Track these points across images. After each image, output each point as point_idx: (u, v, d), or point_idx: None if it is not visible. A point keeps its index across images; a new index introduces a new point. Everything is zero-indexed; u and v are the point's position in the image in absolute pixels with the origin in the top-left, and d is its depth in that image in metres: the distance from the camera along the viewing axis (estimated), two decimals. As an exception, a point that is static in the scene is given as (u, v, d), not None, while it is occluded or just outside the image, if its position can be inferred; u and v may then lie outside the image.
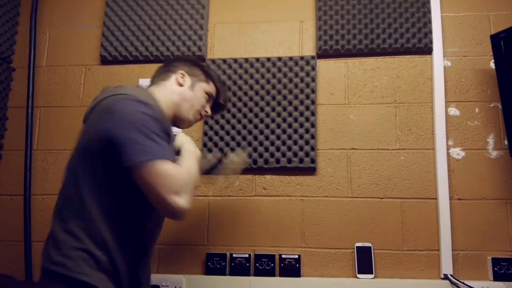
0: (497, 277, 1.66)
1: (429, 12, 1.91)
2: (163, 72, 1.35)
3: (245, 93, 1.91)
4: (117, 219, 1.06)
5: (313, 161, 1.83)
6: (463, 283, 1.65)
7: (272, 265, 1.75)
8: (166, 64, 1.39)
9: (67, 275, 0.99)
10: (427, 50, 1.89)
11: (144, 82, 1.99)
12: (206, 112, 1.40)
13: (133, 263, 1.12)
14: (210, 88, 1.40)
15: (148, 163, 0.99)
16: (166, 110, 1.24)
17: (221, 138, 1.89)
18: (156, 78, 1.35)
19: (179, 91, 1.31)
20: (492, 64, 1.86)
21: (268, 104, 1.90)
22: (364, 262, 1.73)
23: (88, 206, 1.03)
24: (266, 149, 1.86)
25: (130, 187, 1.05)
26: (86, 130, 1.11)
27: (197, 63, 1.42)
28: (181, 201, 1.00)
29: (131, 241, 1.10)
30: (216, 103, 1.47)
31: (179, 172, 1.03)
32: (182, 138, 1.29)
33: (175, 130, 1.29)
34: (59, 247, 1.02)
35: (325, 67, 1.94)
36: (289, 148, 1.85)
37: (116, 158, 1.01)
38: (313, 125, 1.85)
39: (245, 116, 1.90)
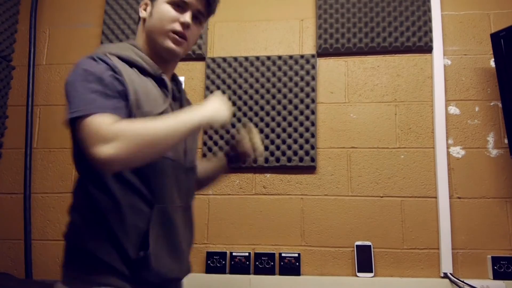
0: (496, 276, 1.66)
1: (429, 10, 1.90)
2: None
3: (245, 92, 1.91)
4: None
5: (313, 159, 1.83)
6: (462, 281, 1.65)
7: (272, 263, 1.75)
8: None
9: None
10: (427, 48, 1.89)
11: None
12: (183, 23, 1.07)
13: None
14: None
15: (79, 120, 0.89)
16: (147, 51, 1.08)
17: (221, 137, 1.89)
18: None
19: (145, 27, 1.09)
20: (492, 63, 1.86)
21: (268, 102, 1.90)
22: (364, 261, 1.73)
23: None
24: (266, 148, 1.86)
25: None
26: None
27: None
28: (106, 148, 0.84)
29: None
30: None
31: (117, 124, 0.88)
32: (208, 101, 1.02)
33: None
34: None
35: (325, 65, 1.94)
36: (289, 147, 1.84)
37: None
38: (313, 124, 1.85)
39: (245, 114, 1.90)
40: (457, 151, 1.81)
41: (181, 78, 1.98)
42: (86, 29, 2.09)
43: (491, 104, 1.84)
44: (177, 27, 1.06)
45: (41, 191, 1.94)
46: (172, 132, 0.91)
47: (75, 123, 0.91)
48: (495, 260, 1.67)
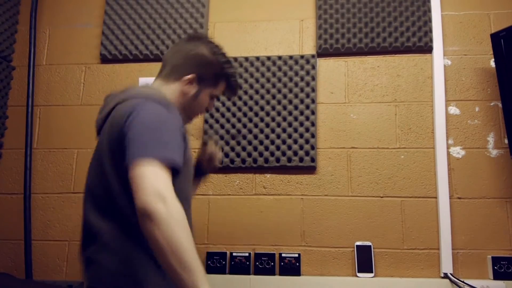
0: (497, 276, 1.66)
1: (429, 10, 1.90)
2: (174, 69, 1.21)
3: (245, 92, 1.91)
4: None
5: (313, 160, 1.83)
6: (463, 282, 1.65)
7: (272, 264, 1.75)
8: (181, 56, 1.22)
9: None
10: (427, 48, 1.89)
11: (144, 80, 1.99)
12: (207, 111, 1.31)
13: None
14: (218, 90, 1.28)
15: (141, 159, 0.90)
16: (177, 105, 1.20)
17: (221, 137, 1.89)
18: (166, 72, 1.22)
19: (182, 98, 1.21)
20: (492, 63, 1.86)
21: (268, 103, 1.90)
22: (364, 261, 1.73)
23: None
24: (266, 148, 1.85)
25: None
26: (108, 132, 1.05)
27: (213, 59, 1.23)
28: (159, 206, 0.85)
29: None
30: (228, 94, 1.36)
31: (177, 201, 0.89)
32: None
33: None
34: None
35: (325, 65, 1.94)
36: (289, 147, 1.84)
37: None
38: (313, 124, 1.85)
39: (245, 115, 1.90)
40: (457, 151, 1.81)
41: (181, 78, 1.99)
42: (86, 29, 2.09)
43: (491, 104, 1.84)
44: (202, 112, 1.29)
45: (41, 191, 1.94)
46: (179, 264, 0.87)
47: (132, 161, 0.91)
48: (495, 260, 1.67)
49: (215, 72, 1.24)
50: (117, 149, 0.99)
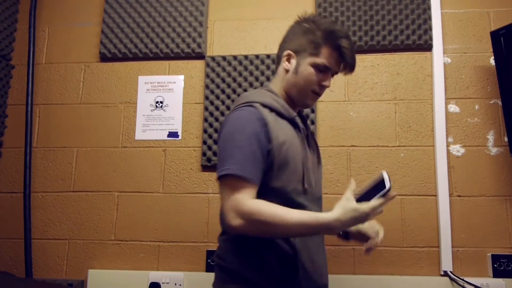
0: (496, 274, 1.66)
1: (429, 8, 1.90)
2: (276, 59, 1.26)
3: (245, 91, 1.91)
4: None
5: (313, 158, 1.82)
6: (462, 279, 1.65)
7: (272, 262, 1.75)
8: (283, 40, 1.24)
9: None
10: (427, 47, 1.89)
11: (143, 79, 1.99)
12: (324, 85, 1.19)
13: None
14: (323, 57, 1.16)
15: (224, 178, 1.06)
16: (283, 96, 1.22)
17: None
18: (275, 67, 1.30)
19: (286, 78, 1.20)
20: (492, 61, 1.86)
21: (267, 101, 1.89)
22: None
23: None
24: (266, 146, 1.85)
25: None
26: None
27: (309, 28, 1.17)
28: (236, 221, 1.02)
29: None
30: (344, 64, 1.21)
31: (253, 203, 1.03)
32: (344, 205, 1.03)
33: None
34: None
35: (325, 64, 1.94)
36: (289, 145, 1.84)
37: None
38: (313, 122, 1.85)
39: (244, 113, 1.89)
40: (457, 149, 1.81)
41: (181, 77, 1.98)
42: (85, 28, 2.09)
43: (491, 102, 1.84)
44: (318, 89, 1.19)
45: (41, 190, 1.94)
46: (294, 232, 1.04)
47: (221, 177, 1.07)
48: (495, 258, 1.68)
49: (312, 39, 1.16)
50: None
